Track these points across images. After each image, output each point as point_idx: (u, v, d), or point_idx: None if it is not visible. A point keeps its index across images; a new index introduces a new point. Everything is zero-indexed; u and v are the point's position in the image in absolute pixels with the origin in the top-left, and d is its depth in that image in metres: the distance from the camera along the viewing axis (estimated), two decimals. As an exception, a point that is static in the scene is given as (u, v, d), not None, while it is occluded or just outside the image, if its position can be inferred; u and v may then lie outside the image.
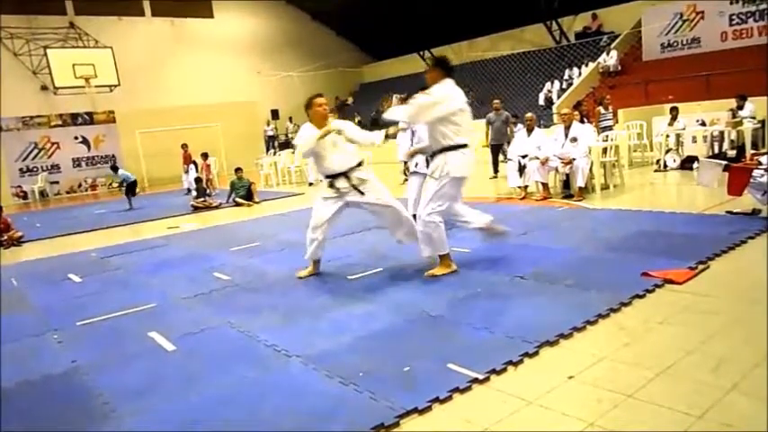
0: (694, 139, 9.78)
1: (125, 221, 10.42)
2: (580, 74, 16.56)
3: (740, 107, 9.62)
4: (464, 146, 4.40)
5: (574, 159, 7.42)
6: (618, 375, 2.64)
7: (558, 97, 16.11)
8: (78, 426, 2.69)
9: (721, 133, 9.58)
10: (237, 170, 11.45)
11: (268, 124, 22.49)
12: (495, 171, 10.87)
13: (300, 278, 4.92)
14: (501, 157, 10.93)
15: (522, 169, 8.06)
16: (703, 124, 10.26)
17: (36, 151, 18.61)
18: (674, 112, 10.21)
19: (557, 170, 7.80)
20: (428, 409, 2.52)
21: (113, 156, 19.49)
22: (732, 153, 8.83)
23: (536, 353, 2.95)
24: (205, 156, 14.08)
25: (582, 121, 10.07)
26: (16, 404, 3.01)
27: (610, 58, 16.09)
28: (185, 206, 11.45)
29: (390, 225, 4.96)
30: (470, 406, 2.53)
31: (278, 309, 4.15)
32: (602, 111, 10.85)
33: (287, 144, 20.09)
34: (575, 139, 7.51)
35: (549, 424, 2.31)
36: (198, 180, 11.98)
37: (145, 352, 3.56)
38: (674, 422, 2.21)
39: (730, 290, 3.64)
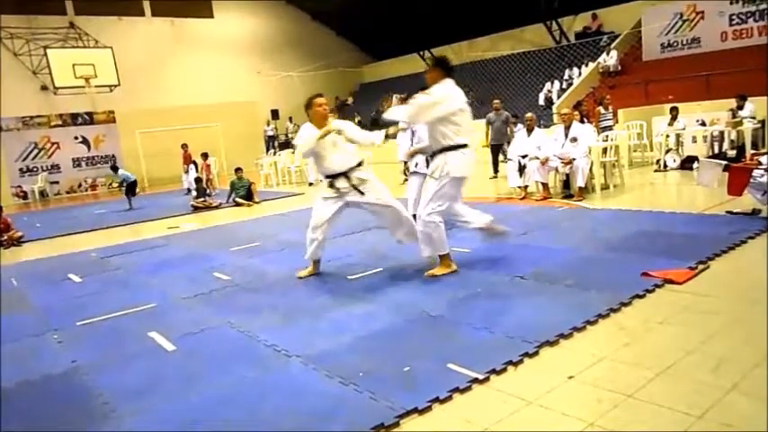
0: (694, 139, 9.78)
1: (125, 221, 10.42)
2: (580, 74, 16.55)
3: (740, 107, 9.62)
4: (464, 146, 4.41)
5: (574, 159, 7.42)
6: (618, 375, 2.64)
7: (558, 97, 16.11)
8: (78, 426, 2.69)
9: (721, 133, 9.57)
10: (237, 170, 11.45)
11: (268, 124, 22.48)
12: (495, 171, 10.87)
13: (300, 278, 4.92)
14: (501, 157, 10.93)
15: (522, 169, 8.05)
16: (703, 124, 10.25)
17: (36, 151, 18.60)
18: (674, 112, 10.21)
19: (557, 170, 7.80)
20: (428, 409, 2.52)
21: (113, 156, 19.49)
22: (732, 153, 8.83)
23: (536, 353, 2.95)
24: (205, 156, 14.08)
25: (582, 121, 10.07)
26: (16, 404, 3.01)
27: (610, 58, 16.09)
28: (185, 206, 11.45)
29: (390, 225, 4.96)
30: (470, 406, 2.53)
31: (278, 309, 4.15)
32: (602, 111, 10.85)
33: (287, 144, 20.08)
34: (575, 139, 7.51)
35: (549, 424, 2.31)
36: (198, 180, 11.98)
37: (145, 352, 3.56)
38: (674, 422, 2.21)
39: (730, 290, 3.64)
